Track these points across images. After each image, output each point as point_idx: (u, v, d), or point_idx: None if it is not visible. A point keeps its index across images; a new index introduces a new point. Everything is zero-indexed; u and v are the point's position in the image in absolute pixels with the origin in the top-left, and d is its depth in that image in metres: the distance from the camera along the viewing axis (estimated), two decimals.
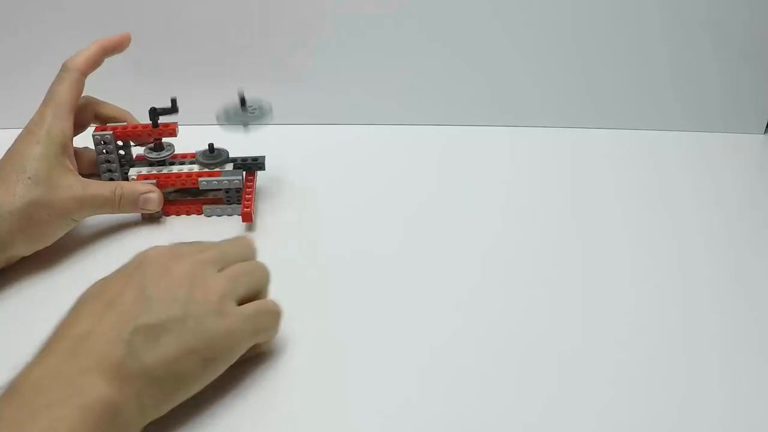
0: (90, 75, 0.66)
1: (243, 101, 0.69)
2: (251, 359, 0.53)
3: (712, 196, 0.75)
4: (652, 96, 0.85)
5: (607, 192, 0.76)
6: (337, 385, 0.54)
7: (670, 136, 0.86)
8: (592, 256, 0.67)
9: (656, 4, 0.80)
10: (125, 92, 0.72)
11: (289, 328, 0.55)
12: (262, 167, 0.71)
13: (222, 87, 0.67)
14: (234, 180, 0.69)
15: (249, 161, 0.71)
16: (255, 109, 0.69)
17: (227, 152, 0.71)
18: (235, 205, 0.71)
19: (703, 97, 0.85)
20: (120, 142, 0.70)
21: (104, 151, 0.69)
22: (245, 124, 0.68)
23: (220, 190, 0.70)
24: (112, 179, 0.70)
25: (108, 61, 0.67)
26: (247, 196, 0.69)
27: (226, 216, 0.71)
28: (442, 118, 0.86)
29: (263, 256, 0.56)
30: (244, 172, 0.70)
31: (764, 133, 0.86)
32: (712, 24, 0.81)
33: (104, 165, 0.70)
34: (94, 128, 0.69)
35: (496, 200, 0.74)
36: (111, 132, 0.68)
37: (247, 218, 0.68)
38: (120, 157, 0.70)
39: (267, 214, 0.71)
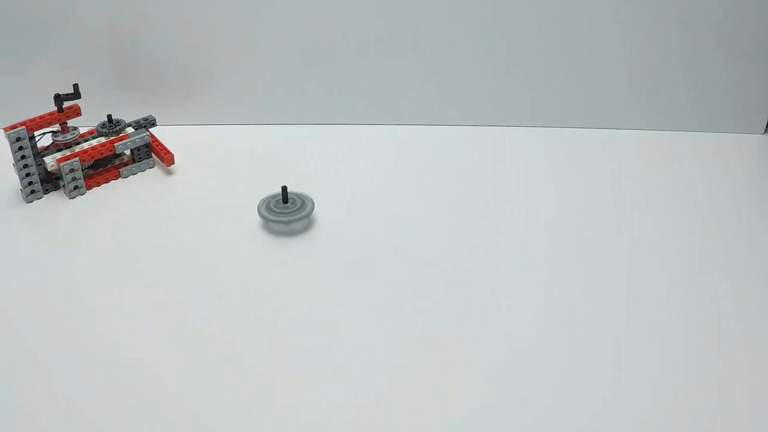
0: None
1: (285, 196, 0.72)
2: None
3: (711, 196, 0.76)
4: (652, 96, 0.86)
5: (605, 190, 0.77)
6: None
7: (669, 136, 0.86)
8: (589, 254, 0.69)
9: (655, 7, 0.81)
10: None
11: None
12: (154, 124, 0.83)
13: None
14: (144, 136, 0.80)
15: (142, 122, 0.82)
16: (296, 203, 0.72)
17: (123, 120, 0.81)
18: (146, 161, 0.82)
19: (702, 97, 0.85)
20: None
21: (20, 147, 0.74)
22: (286, 223, 0.71)
23: (126, 153, 0.81)
24: (29, 174, 0.76)
25: None
26: (160, 146, 0.81)
27: (140, 172, 0.82)
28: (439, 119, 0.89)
29: None
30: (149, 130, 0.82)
31: (764, 133, 0.86)
32: (711, 25, 0.81)
33: (21, 161, 0.75)
34: (2, 129, 0.74)
35: (489, 200, 0.77)
36: (23, 127, 0.74)
37: (171, 161, 0.80)
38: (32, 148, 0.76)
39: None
